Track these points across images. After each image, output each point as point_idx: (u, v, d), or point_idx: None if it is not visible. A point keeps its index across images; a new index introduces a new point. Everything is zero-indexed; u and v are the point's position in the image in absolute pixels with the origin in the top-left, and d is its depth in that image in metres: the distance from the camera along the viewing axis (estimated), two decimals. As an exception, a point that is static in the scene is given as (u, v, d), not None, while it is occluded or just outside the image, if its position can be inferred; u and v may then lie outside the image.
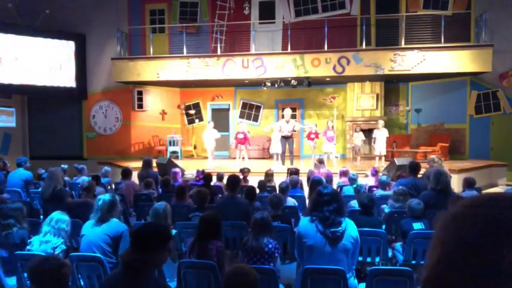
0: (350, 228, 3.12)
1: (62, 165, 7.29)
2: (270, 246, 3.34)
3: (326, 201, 3.05)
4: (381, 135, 10.95)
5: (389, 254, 4.40)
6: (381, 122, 11.19)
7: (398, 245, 4.50)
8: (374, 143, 11.23)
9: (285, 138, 10.73)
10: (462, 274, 0.60)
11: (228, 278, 2.35)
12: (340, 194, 4.82)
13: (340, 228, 3.03)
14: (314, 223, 3.08)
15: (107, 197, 3.73)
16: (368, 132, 12.84)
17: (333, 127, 11.05)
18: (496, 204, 0.63)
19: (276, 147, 11.11)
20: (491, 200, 0.64)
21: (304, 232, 3.13)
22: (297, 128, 10.96)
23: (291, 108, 12.62)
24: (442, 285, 0.62)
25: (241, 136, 11.63)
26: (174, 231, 3.79)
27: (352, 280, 3.14)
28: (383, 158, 11.19)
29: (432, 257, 0.65)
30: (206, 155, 11.25)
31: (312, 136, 11.01)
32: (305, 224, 3.17)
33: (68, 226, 3.68)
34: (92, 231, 3.58)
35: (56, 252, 3.42)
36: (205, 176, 6.83)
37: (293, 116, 12.93)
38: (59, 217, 3.63)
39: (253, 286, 2.33)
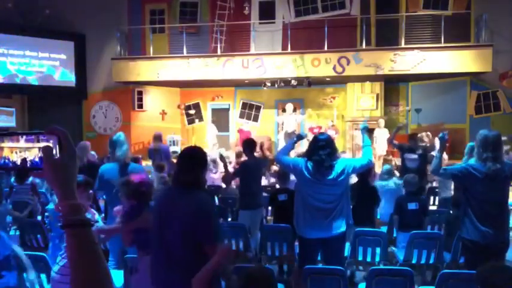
0: (338, 166, 3.49)
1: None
2: None
3: (321, 146, 3.49)
4: (382, 134, 10.85)
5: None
6: (382, 122, 11.15)
7: (398, 245, 4.50)
8: (375, 142, 11.14)
9: (289, 136, 10.60)
10: None
11: (248, 279, 2.29)
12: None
13: (331, 176, 3.44)
14: (308, 163, 3.52)
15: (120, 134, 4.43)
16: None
17: (333, 125, 10.97)
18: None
19: None
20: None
21: (299, 164, 3.59)
22: (298, 119, 10.84)
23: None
24: None
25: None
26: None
27: (344, 225, 3.50)
28: (381, 159, 11.14)
29: None
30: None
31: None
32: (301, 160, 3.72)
33: None
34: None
35: None
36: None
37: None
38: None
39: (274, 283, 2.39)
